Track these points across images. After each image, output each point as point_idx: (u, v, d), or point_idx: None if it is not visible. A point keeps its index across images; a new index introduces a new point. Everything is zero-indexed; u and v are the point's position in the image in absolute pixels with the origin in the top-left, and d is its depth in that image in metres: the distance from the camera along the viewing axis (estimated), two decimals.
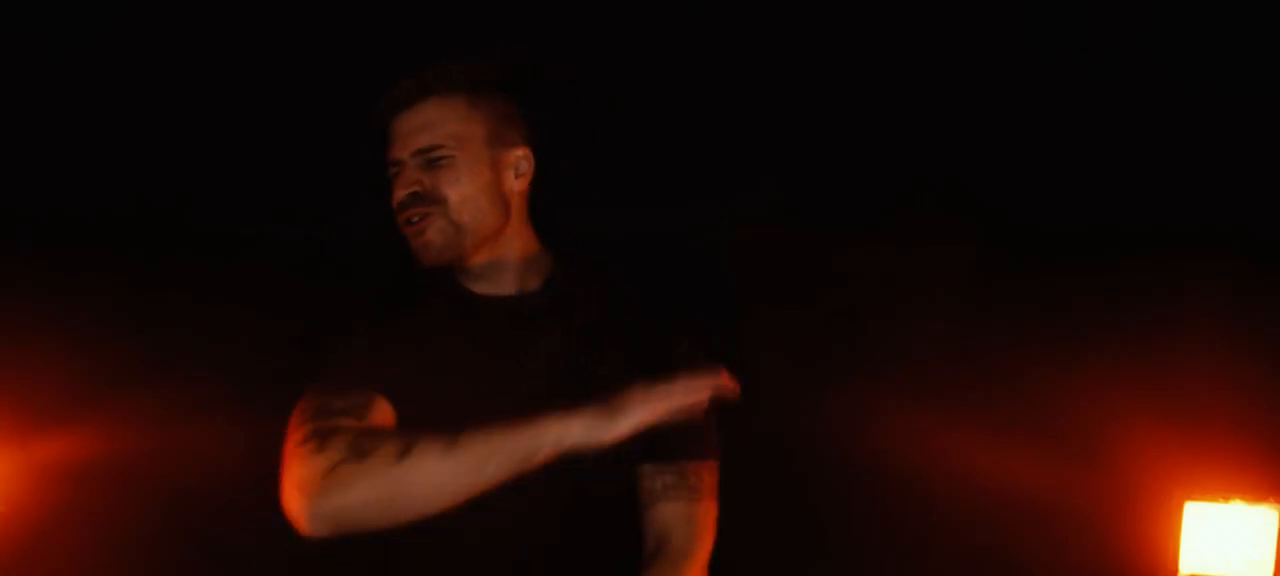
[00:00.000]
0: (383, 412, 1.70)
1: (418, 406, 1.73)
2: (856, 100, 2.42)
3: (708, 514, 1.86)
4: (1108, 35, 2.37)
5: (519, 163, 1.86)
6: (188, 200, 2.40)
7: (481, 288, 1.84)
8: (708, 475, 1.87)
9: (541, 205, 1.88)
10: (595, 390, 1.68)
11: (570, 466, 1.67)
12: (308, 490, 1.58)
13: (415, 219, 1.79)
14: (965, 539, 2.41)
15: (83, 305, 2.34)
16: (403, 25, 2.39)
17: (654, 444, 1.79)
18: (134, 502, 2.37)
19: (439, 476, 1.57)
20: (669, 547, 1.82)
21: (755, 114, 2.40)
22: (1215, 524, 2.21)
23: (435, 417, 1.65)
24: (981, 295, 2.43)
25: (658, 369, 1.74)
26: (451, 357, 1.79)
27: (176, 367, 2.37)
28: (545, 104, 1.92)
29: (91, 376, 2.32)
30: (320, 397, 1.68)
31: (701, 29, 2.40)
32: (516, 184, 1.86)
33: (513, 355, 1.80)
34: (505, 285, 1.84)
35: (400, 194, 1.80)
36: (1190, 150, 2.36)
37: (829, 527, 2.42)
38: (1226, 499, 2.22)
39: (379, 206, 2.40)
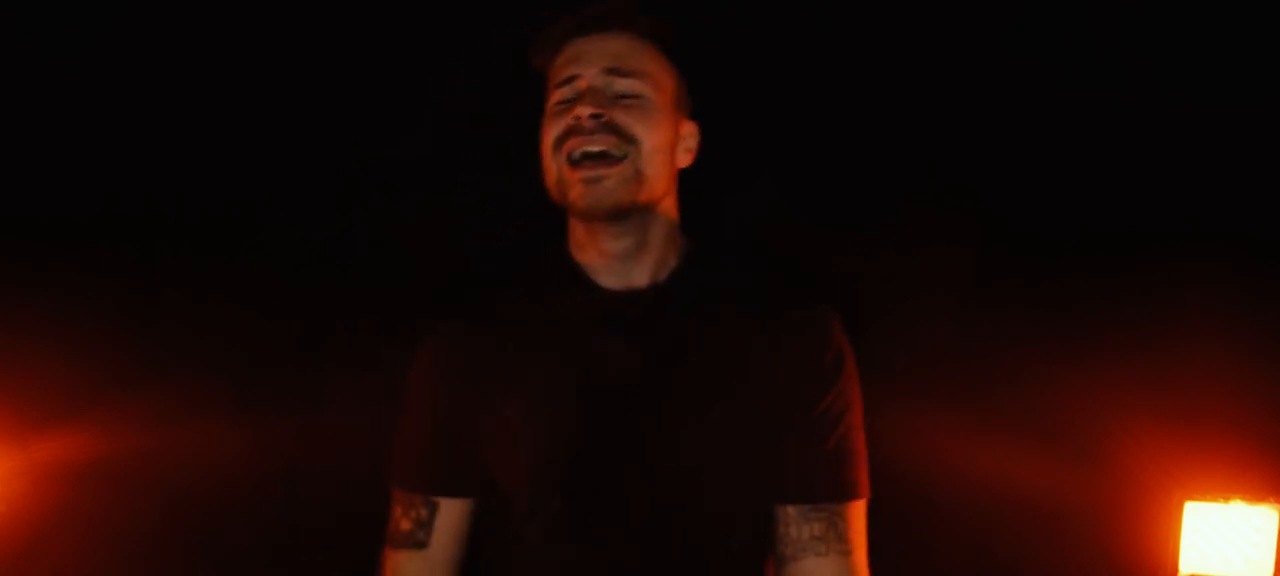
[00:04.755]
0: (450, 521, 1.69)
1: (525, 412, 1.59)
2: (856, 100, 2.41)
3: (861, 568, 1.62)
4: (1108, 35, 2.36)
5: (689, 137, 1.68)
6: (187, 200, 2.40)
7: (611, 281, 1.62)
8: (857, 519, 1.63)
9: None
10: (716, 404, 1.57)
11: (696, 500, 1.54)
12: None
13: (609, 152, 1.54)
14: (965, 538, 2.40)
15: (83, 305, 2.34)
16: (400, 27, 2.39)
17: (797, 479, 1.60)
18: (134, 503, 2.36)
19: None
20: None
21: (754, 113, 2.40)
22: (1215, 524, 2.21)
23: (543, 423, 1.58)
24: (981, 295, 2.42)
25: (797, 377, 1.61)
26: (553, 362, 1.60)
27: (176, 368, 2.36)
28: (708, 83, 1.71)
29: (91, 376, 2.32)
30: (397, 505, 1.71)
31: (698, 28, 2.40)
32: (682, 159, 1.68)
33: (634, 362, 1.59)
34: (638, 275, 1.62)
35: (583, 112, 1.55)
36: (1190, 150, 2.35)
37: None
38: (1226, 499, 2.22)
39: (379, 206, 2.41)
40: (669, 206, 1.66)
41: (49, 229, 2.34)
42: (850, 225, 2.41)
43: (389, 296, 2.38)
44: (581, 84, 1.59)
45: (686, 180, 1.76)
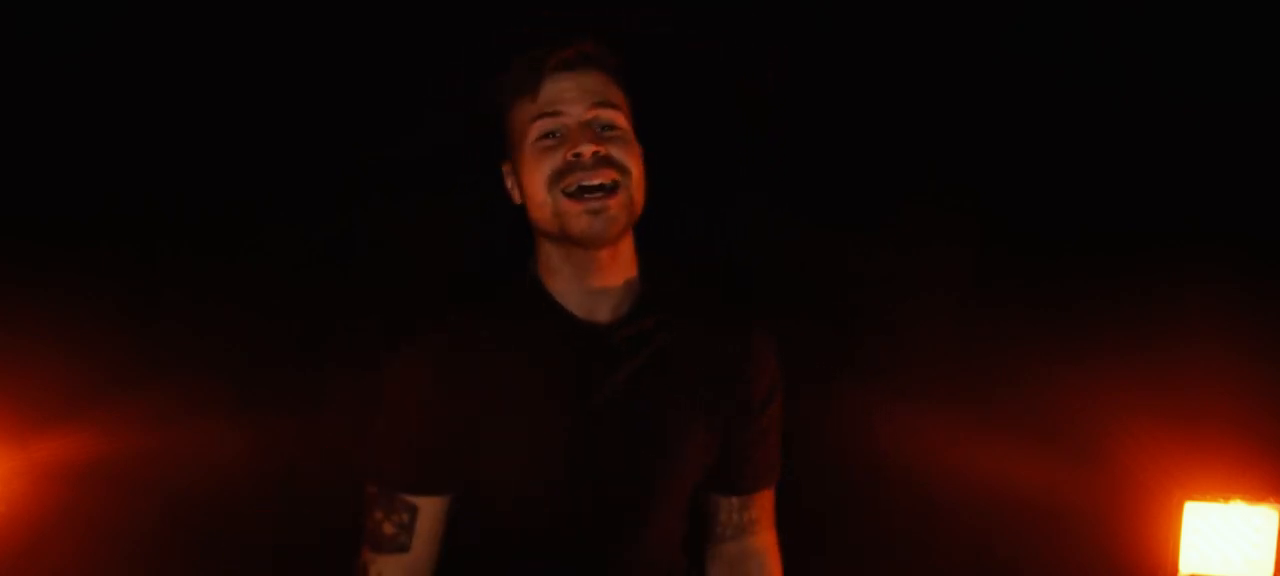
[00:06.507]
0: (430, 523, 1.74)
1: (498, 437, 1.70)
2: (856, 100, 2.41)
3: (774, 540, 1.90)
4: (1108, 35, 2.36)
5: (646, 160, 1.73)
6: (187, 200, 2.40)
7: (580, 303, 1.70)
8: (772, 500, 1.90)
9: None
10: (683, 422, 1.73)
11: (672, 508, 1.75)
12: None
13: (608, 184, 1.62)
14: (965, 539, 2.41)
15: (83, 305, 2.34)
16: (399, 27, 2.39)
17: (734, 475, 1.84)
18: (134, 503, 2.36)
19: None
20: None
21: (754, 113, 2.40)
22: (1215, 524, 2.21)
23: (515, 449, 1.69)
24: (981, 295, 2.43)
25: (737, 392, 1.78)
26: (543, 390, 1.70)
27: (176, 368, 2.36)
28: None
29: (91, 376, 2.32)
30: (377, 508, 1.75)
31: (698, 27, 2.40)
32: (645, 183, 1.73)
33: (603, 392, 1.69)
34: (603, 307, 1.71)
35: (584, 150, 1.61)
36: (1190, 151, 2.35)
37: (827, 527, 2.42)
38: (1226, 499, 2.22)
39: (379, 206, 2.41)
40: (632, 234, 1.75)
41: (49, 229, 2.34)
42: (850, 225, 2.41)
43: (389, 296, 2.38)
44: (568, 121, 1.65)
45: (686, 186, 1.77)
